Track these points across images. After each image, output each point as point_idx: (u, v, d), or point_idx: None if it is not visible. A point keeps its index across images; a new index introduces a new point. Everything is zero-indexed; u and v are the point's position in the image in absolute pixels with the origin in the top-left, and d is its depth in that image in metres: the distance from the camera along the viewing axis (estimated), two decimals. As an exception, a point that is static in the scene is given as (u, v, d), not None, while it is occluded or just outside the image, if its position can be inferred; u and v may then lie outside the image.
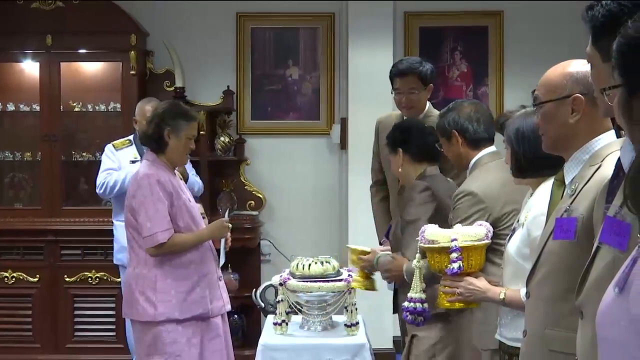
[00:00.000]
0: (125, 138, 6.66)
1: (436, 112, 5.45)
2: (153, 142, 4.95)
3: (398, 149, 4.75)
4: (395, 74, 5.55)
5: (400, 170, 4.76)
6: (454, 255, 3.65)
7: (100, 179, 6.47)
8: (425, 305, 4.13)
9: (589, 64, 2.46)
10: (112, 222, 6.63)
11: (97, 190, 6.51)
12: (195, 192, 6.75)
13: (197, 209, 5.09)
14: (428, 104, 5.59)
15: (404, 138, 4.77)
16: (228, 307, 5.12)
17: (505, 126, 4.06)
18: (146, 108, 6.42)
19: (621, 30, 1.86)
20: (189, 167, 6.92)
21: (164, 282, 4.86)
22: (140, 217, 4.83)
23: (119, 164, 6.47)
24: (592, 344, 2.25)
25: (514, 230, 3.52)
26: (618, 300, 1.63)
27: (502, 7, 7.92)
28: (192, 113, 5.11)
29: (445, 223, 4.27)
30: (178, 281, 4.87)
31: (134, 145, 6.55)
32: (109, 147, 6.60)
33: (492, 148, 4.15)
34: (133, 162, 6.43)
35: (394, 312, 5.18)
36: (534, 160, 3.46)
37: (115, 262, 6.64)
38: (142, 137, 5.07)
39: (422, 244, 3.80)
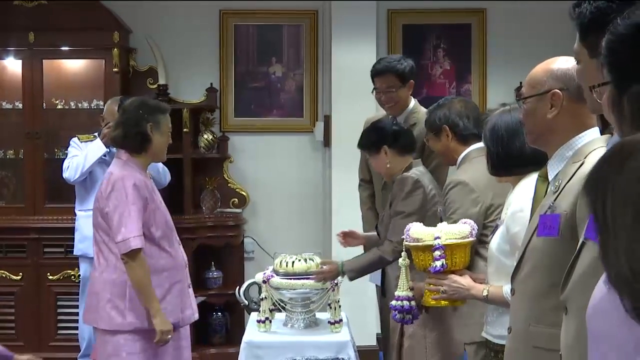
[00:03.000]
0: (90, 134, 6.76)
1: (423, 109, 5.50)
2: (135, 142, 4.71)
3: (382, 147, 4.85)
4: (374, 74, 5.63)
5: (388, 166, 4.85)
6: (437, 253, 3.67)
7: (65, 164, 6.61)
8: (413, 303, 4.16)
9: (576, 61, 2.48)
10: (75, 212, 6.71)
11: (64, 175, 6.60)
12: (163, 182, 6.69)
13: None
14: (413, 101, 5.63)
15: (384, 135, 4.93)
16: (196, 316, 4.94)
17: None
18: (115, 109, 6.53)
19: (610, 27, 1.86)
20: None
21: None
22: (114, 221, 4.54)
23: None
24: (576, 338, 2.26)
25: (496, 228, 3.54)
26: (610, 296, 1.64)
27: (485, 5, 7.93)
28: (164, 105, 5.01)
29: (427, 216, 4.34)
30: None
31: (98, 140, 6.61)
32: (74, 140, 6.74)
33: (480, 144, 4.19)
34: None
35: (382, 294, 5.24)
36: (507, 159, 3.51)
37: (75, 252, 6.67)
38: (118, 139, 4.75)
39: (407, 243, 3.84)
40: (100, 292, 4.64)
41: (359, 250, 5.56)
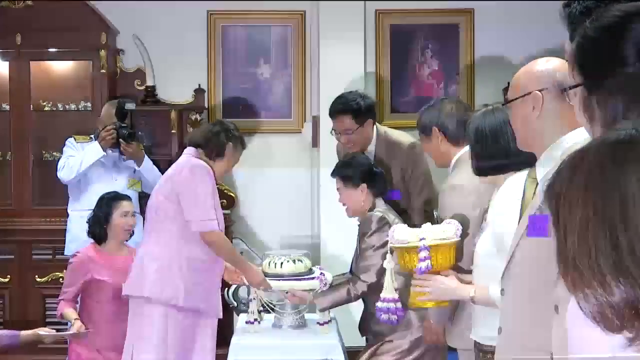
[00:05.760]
0: (87, 135, 6.83)
1: (390, 133, 5.47)
2: (212, 147, 5.06)
3: (362, 184, 4.95)
4: (330, 114, 5.49)
5: (362, 204, 4.91)
6: (422, 254, 3.67)
7: (60, 163, 6.67)
8: (398, 304, 4.17)
9: (567, 61, 2.48)
10: (67, 213, 6.74)
11: (58, 174, 6.66)
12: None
13: None
14: (376, 130, 5.51)
15: (366, 173, 5.00)
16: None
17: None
18: (113, 113, 6.77)
19: (580, 30, 1.88)
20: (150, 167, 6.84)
21: (178, 267, 4.89)
22: (189, 203, 4.86)
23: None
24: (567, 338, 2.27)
25: (482, 230, 3.54)
26: None
27: (473, 5, 7.93)
28: (245, 142, 5.29)
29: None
30: (190, 271, 4.91)
31: (94, 142, 6.68)
32: (69, 140, 6.79)
33: None
34: None
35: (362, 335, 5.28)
36: (491, 159, 3.51)
37: (66, 253, 6.67)
38: (200, 138, 5.12)
39: (392, 244, 3.84)
40: (147, 264, 4.93)
41: (345, 250, 5.56)
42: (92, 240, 5.49)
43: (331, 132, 5.50)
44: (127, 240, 5.54)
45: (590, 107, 1.80)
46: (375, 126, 5.48)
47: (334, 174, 5.12)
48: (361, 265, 4.89)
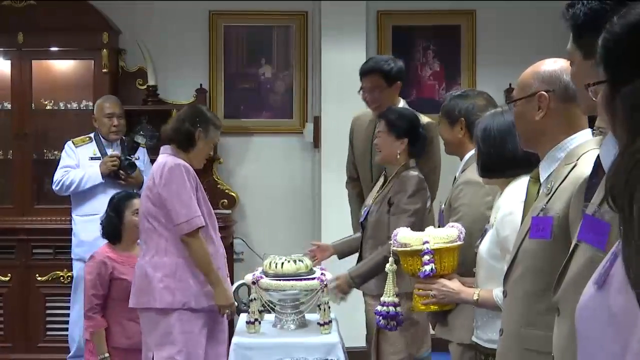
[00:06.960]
0: (85, 135, 6.87)
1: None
2: (182, 139, 5.05)
3: (404, 138, 4.89)
4: (361, 72, 5.58)
5: (398, 157, 4.86)
6: (426, 257, 3.66)
7: (57, 176, 6.70)
8: (399, 309, 4.16)
9: (570, 62, 2.49)
10: (71, 217, 6.77)
11: (53, 187, 6.72)
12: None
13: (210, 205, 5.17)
14: (402, 102, 5.56)
15: (414, 130, 4.93)
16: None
17: (474, 126, 4.08)
18: (105, 105, 6.83)
19: (607, 26, 1.87)
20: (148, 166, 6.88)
21: (184, 271, 4.93)
22: (174, 205, 4.86)
23: (78, 161, 6.75)
24: (569, 340, 2.26)
25: (485, 232, 3.53)
26: (598, 296, 1.64)
27: (475, 7, 7.94)
28: (219, 122, 5.28)
29: (426, 216, 4.38)
30: (194, 271, 4.95)
31: (93, 142, 6.78)
32: (68, 144, 6.82)
33: None
34: (92, 158, 6.74)
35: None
36: (499, 161, 3.49)
37: (73, 256, 6.69)
38: (170, 133, 5.11)
39: (394, 248, 3.82)
40: (151, 275, 4.94)
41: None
42: (102, 242, 5.49)
43: (359, 92, 5.54)
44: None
45: (613, 105, 1.79)
46: (400, 98, 5.55)
47: (382, 116, 5.05)
48: (394, 226, 4.76)
